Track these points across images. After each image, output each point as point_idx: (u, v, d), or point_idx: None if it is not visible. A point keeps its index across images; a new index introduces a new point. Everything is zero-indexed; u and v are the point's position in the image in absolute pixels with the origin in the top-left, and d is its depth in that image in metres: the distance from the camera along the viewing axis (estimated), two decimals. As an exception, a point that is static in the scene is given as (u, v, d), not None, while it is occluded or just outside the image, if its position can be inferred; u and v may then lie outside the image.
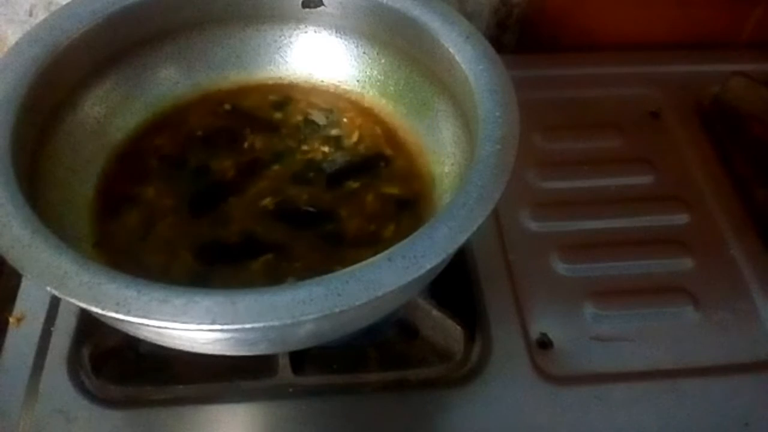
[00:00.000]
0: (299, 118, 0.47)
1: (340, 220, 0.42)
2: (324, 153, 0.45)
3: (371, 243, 0.40)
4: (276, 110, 0.47)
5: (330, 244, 0.41)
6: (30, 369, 0.41)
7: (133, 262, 0.39)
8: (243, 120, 0.47)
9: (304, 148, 0.45)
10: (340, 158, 0.45)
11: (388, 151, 0.45)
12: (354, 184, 0.43)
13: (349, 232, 0.41)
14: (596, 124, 0.57)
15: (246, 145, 0.45)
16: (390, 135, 0.46)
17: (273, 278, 0.39)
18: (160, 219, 0.41)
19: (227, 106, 0.47)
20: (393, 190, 0.43)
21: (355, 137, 0.46)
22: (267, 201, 0.43)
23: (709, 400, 0.42)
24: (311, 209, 0.42)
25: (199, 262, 0.40)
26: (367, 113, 0.47)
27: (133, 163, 0.44)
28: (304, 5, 0.46)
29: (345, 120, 0.47)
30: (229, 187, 0.43)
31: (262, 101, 0.48)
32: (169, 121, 0.46)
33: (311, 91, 0.48)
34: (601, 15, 0.62)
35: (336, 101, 0.48)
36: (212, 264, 0.40)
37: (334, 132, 0.46)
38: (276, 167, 0.44)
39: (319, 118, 0.47)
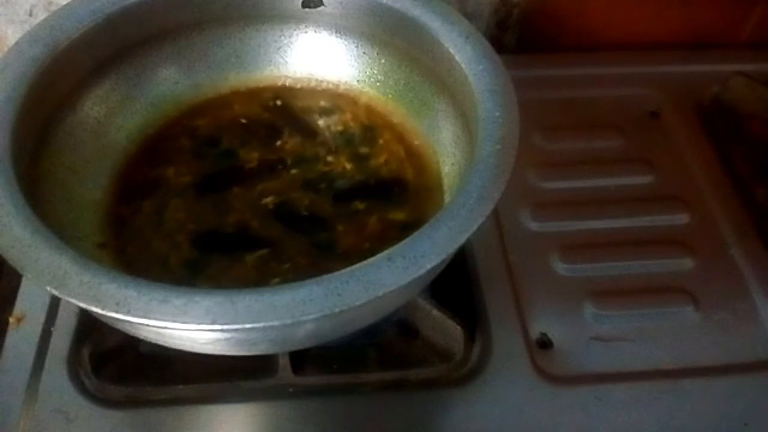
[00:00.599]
0: (339, 128, 0.47)
1: (334, 231, 0.42)
2: (345, 168, 0.45)
3: (362, 258, 0.40)
4: (321, 116, 0.48)
5: (320, 251, 0.41)
6: (30, 369, 0.41)
7: (141, 248, 0.40)
8: (287, 118, 0.47)
9: (329, 159, 0.45)
10: (357, 177, 0.44)
11: (409, 176, 0.44)
12: (360, 205, 0.43)
13: (342, 244, 0.41)
14: (596, 124, 0.57)
15: (279, 143, 0.46)
16: (408, 147, 0.46)
17: (261, 275, 0.39)
18: (171, 198, 0.42)
19: (278, 102, 0.48)
20: (400, 215, 0.42)
21: (382, 158, 0.45)
22: (269, 199, 0.43)
23: (709, 400, 0.42)
24: (308, 215, 0.42)
25: (196, 250, 0.40)
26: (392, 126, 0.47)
27: (164, 142, 0.45)
28: (304, 5, 0.46)
29: (381, 142, 0.46)
30: (241, 177, 0.44)
31: (312, 104, 0.48)
32: (218, 104, 0.47)
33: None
34: (601, 15, 0.62)
35: (374, 117, 0.48)
36: (209, 253, 0.40)
37: (363, 150, 0.46)
38: (294, 171, 0.44)
39: (357, 131, 0.47)
